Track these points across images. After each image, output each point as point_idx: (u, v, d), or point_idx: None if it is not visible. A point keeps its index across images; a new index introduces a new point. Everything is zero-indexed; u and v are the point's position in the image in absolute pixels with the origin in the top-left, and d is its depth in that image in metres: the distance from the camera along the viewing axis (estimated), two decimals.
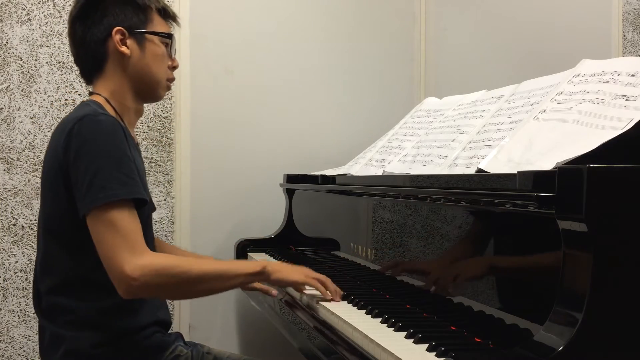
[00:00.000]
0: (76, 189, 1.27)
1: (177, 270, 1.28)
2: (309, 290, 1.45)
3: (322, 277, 1.46)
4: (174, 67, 1.51)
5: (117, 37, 1.40)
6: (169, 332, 1.49)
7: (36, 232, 1.48)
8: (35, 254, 1.48)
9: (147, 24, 1.44)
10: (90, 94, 1.45)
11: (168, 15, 1.51)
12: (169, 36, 1.48)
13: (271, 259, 2.05)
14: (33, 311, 1.50)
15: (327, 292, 1.42)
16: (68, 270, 1.33)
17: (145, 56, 1.43)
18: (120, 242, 1.22)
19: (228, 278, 1.35)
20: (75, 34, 1.43)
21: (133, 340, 1.35)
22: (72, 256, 1.33)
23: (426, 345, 1.01)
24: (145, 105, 1.54)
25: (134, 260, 1.22)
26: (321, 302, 1.38)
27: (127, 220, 1.25)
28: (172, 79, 1.52)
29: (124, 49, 1.41)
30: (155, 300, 1.43)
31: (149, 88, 1.46)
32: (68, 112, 1.53)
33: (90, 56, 1.42)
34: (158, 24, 1.47)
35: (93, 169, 1.25)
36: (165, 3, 1.51)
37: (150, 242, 1.39)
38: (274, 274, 1.39)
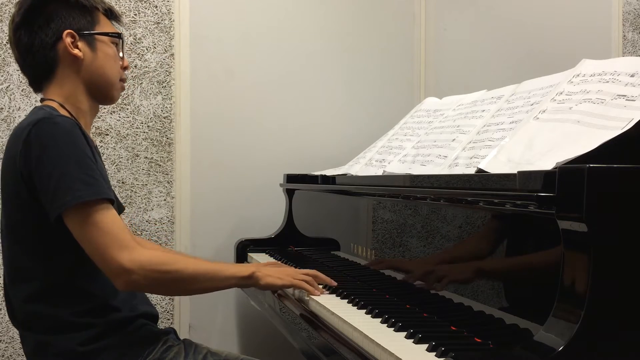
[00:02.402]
0: (42, 195, 1.26)
1: (173, 267, 1.30)
2: (316, 298, 1.45)
3: (311, 273, 1.49)
4: (124, 68, 1.49)
5: (68, 40, 1.37)
6: (161, 327, 1.49)
7: None
8: None
9: (95, 26, 1.42)
10: (42, 100, 1.42)
11: (114, 16, 1.49)
12: (119, 36, 1.46)
13: (271, 259, 2.05)
14: None
15: (316, 290, 1.45)
16: (40, 279, 1.32)
17: (98, 58, 1.41)
18: (109, 239, 1.23)
19: (219, 280, 1.38)
20: (20, 42, 1.39)
21: (122, 334, 1.35)
22: (43, 264, 1.31)
23: (426, 345, 1.01)
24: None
25: (128, 254, 1.23)
26: (322, 303, 1.38)
27: (109, 217, 1.25)
28: (124, 80, 1.50)
29: (76, 51, 1.38)
30: (135, 294, 1.43)
31: (103, 90, 1.44)
32: None
33: (39, 62, 1.38)
34: (105, 25, 1.45)
35: (57, 173, 1.23)
36: (111, 4, 1.50)
37: None
38: (264, 279, 1.41)
